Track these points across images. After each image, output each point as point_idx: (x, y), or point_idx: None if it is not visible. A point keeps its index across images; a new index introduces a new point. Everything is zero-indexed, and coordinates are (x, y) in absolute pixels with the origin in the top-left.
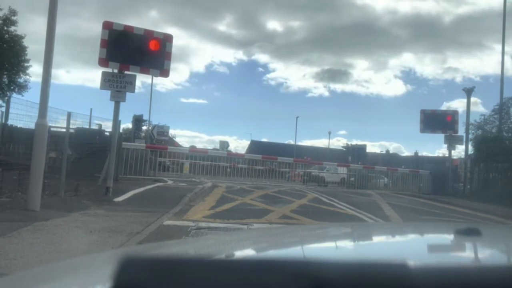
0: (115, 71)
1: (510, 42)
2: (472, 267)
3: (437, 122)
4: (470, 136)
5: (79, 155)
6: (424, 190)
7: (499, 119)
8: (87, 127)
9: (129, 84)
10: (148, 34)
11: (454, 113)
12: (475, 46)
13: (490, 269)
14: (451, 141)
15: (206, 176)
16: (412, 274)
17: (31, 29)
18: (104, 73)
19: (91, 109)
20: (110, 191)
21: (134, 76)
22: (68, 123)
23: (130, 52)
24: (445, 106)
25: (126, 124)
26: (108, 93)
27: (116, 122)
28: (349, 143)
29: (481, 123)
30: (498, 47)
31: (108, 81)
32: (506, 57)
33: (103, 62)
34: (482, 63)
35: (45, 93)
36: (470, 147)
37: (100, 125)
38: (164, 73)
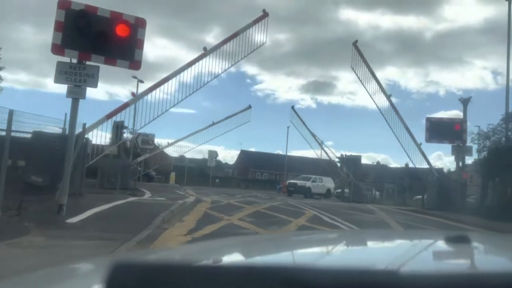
0: (74, 61)
1: (491, 58)
2: (461, 274)
3: (444, 131)
4: (477, 146)
5: (35, 162)
6: (428, 204)
7: (505, 128)
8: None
9: (91, 77)
10: (116, 17)
11: (462, 121)
12: (455, 61)
13: (479, 276)
14: (459, 152)
15: (194, 188)
16: (402, 281)
17: (19, 37)
18: (59, 64)
19: (65, 114)
20: (64, 210)
21: (97, 68)
22: (9, 124)
23: (93, 38)
24: None
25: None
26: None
27: (74, 124)
28: (343, 153)
29: (488, 132)
30: (478, 62)
31: (64, 74)
32: (487, 72)
33: (57, 50)
34: (463, 77)
35: None
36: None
37: (64, 129)
38: (135, 65)
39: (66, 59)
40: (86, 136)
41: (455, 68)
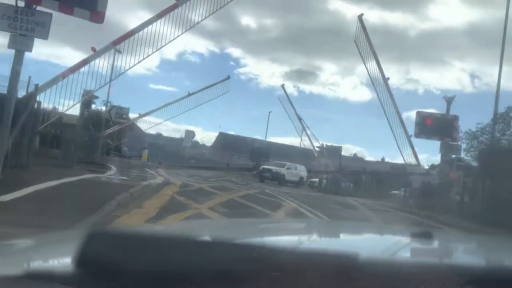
0: (21, 4)
1: (470, 60)
2: (414, 263)
3: (434, 127)
4: (464, 146)
5: None
6: (409, 201)
7: (492, 128)
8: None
9: (41, 26)
10: None
11: (455, 118)
12: (436, 61)
13: (430, 266)
14: (448, 150)
15: (166, 167)
16: (360, 265)
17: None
18: (2, 6)
19: (29, 77)
20: None
21: (49, 16)
22: None
23: None
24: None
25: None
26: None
27: (15, 82)
28: (323, 143)
29: (477, 132)
30: (457, 63)
31: (7, 19)
32: (465, 74)
33: None
34: (442, 78)
35: None
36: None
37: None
38: (97, 16)
39: (11, 2)
40: (38, 99)
41: (435, 68)
